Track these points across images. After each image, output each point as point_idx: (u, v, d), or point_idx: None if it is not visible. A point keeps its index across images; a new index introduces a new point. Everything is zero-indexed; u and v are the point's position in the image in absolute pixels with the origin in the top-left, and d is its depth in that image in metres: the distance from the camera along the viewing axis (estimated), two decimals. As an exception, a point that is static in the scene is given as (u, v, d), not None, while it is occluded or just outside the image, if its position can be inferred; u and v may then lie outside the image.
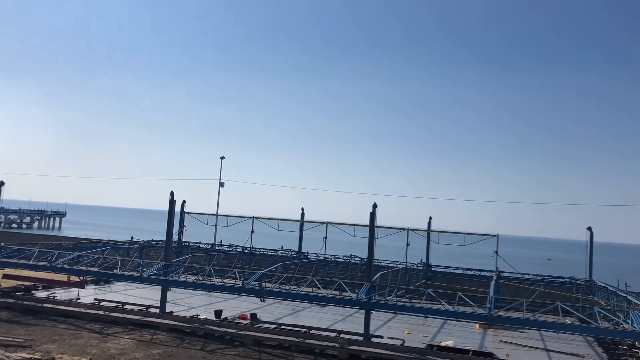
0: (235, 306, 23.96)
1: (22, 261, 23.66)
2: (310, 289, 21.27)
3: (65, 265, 23.04)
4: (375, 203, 20.88)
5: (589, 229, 33.37)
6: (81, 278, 25.38)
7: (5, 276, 24.78)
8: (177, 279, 21.92)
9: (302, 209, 38.76)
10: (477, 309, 17.78)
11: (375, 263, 30.28)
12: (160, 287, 21.13)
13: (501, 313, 17.61)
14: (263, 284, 20.77)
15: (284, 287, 20.65)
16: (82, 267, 23.66)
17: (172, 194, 22.90)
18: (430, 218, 36.35)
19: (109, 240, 35.16)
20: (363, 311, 18.75)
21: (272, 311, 23.53)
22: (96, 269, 23.12)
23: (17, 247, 25.27)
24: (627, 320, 16.67)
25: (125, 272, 22.41)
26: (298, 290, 20.30)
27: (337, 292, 19.88)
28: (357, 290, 18.77)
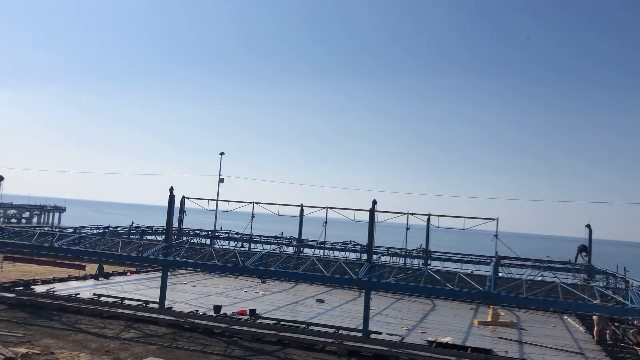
0: (234, 302, 23.99)
1: (23, 242, 23.68)
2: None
3: (66, 246, 23.05)
4: (374, 199, 20.98)
5: (588, 226, 33.47)
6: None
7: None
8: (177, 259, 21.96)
9: (302, 205, 38.87)
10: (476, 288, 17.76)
11: (375, 250, 30.42)
12: (159, 286, 21.11)
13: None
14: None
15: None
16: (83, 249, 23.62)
17: (171, 189, 22.93)
18: (430, 214, 36.41)
19: (109, 226, 35.30)
20: (362, 310, 18.74)
21: (271, 306, 23.55)
22: (97, 250, 23.14)
23: (17, 229, 25.38)
24: (626, 300, 16.74)
25: (126, 253, 22.47)
26: (298, 271, 20.34)
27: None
28: (357, 270, 18.85)
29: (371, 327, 18.71)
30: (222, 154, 56.13)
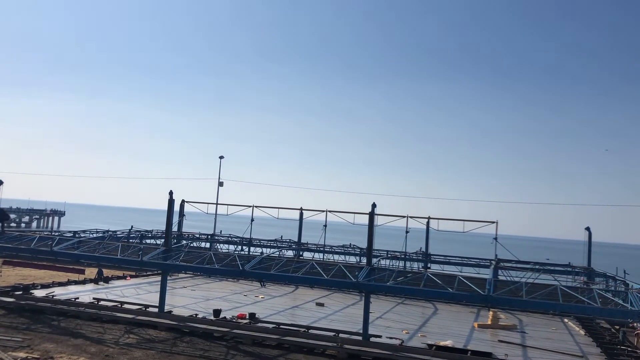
0: (234, 306, 23.95)
1: (22, 246, 23.62)
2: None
3: (65, 250, 23.00)
4: (374, 203, 21.01)
5: (587, 228, 33.47)
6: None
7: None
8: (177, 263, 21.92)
9: (301, 208, 38.85)
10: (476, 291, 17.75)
11: (375, 253, 30.41)
12: (158, 290, 21.06)
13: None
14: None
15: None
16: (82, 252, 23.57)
17: (171, 193, 22.94)
18: (429, 217, 36.35)
19: (109, 230, 35.27)
20: (362, 312, 18.71)
21: (271, 310, 23.52)
22: (97, 254, 23.09)
23: (17, 234, 25.35)
24: (626, 302, 16.72)
25: (126, 257, 22.44)
26: (298, 274, 20.34)
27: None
28: (356, 273, 18.84)
29: (372, 331, 18.68)
30: (221, 157, 56.08)
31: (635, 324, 21.42)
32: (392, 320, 23.30)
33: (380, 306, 26.85)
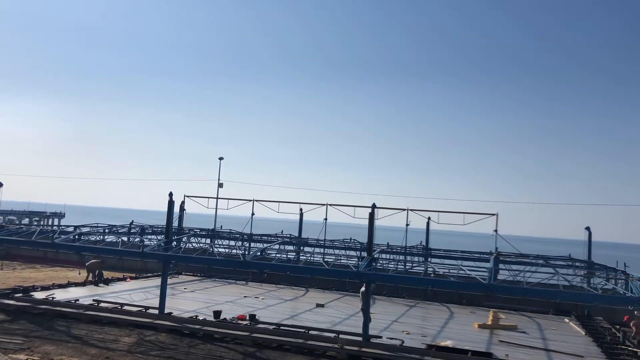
0: (234, 307, 23.94)
1: (23, 239, 23.57)
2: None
3: (66, 243, 22.99)
4: (374, 203, 21.05)
5: (587, 228, 33.52)
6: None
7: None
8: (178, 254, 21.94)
9: (301, 208, 38.97)
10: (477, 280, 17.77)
11: (375, 249, 30.42)
12: (158, 293, 21.06)
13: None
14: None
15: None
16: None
17: (170, 194, 22.96)
18: (429, 218, 36.38)
19: (110, 224, 35.31)
20: (362, 313, 18.67)
21: (272, 311, 23.50)
22: (98, 246, 23.09)
23: (17, 227, 25.36)
24: (626, 291, 16.77)
25: (127, 249, 22.48)
26: (299, 264, 20.36)
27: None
28: (358, 263, 18.85)
29: (377, 332, 18.60)
30: (221, 158, 56.06)
31: (635, 312, 21.30)
32: (398, 322, 23.19)
33: (388, 309, 26.71)
